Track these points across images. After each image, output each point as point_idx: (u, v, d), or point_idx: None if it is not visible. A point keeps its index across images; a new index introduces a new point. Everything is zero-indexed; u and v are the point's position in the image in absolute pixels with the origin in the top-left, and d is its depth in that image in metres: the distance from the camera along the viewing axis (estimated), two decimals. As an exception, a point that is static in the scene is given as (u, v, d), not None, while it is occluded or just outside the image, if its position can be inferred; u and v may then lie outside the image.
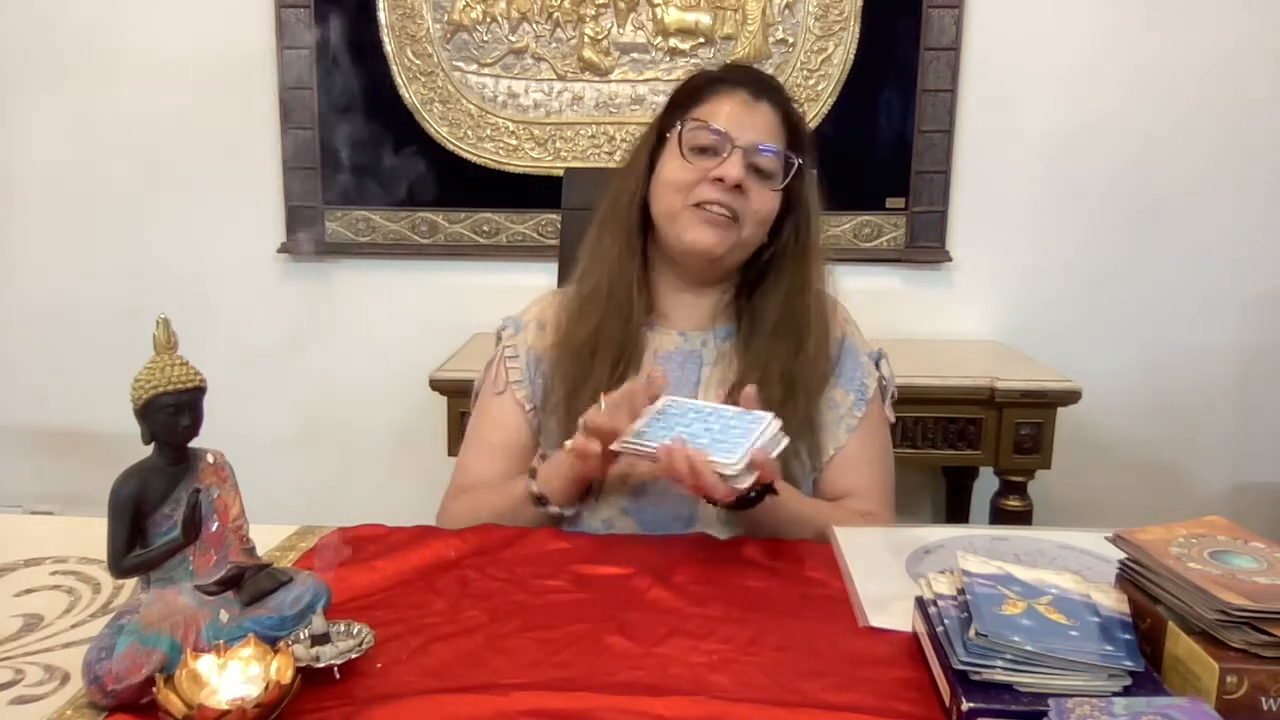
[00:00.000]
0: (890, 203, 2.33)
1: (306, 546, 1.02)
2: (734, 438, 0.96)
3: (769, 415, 0.99)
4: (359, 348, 2.46)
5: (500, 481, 1.19)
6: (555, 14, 2.30)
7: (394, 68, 2.34)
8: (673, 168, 1.18)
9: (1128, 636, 0.72)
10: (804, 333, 1.19)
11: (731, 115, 1.17)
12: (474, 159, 2.37)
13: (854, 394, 1.22)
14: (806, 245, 1.22)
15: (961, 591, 0.77)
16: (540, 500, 1.12)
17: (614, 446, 1.00)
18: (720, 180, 1.14)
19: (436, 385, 1.99)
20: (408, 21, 2.32)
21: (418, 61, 2.34)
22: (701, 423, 0.99)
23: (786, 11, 2.28)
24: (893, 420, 1.28)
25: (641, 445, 0.98)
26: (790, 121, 1.21)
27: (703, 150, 1.17)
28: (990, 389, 1.96)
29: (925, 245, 2.34)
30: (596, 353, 1.18)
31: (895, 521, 1.23)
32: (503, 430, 1.23)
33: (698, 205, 1.15)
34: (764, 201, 1.17)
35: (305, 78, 2.34)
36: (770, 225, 1.20)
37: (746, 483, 0.95)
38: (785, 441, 0.99)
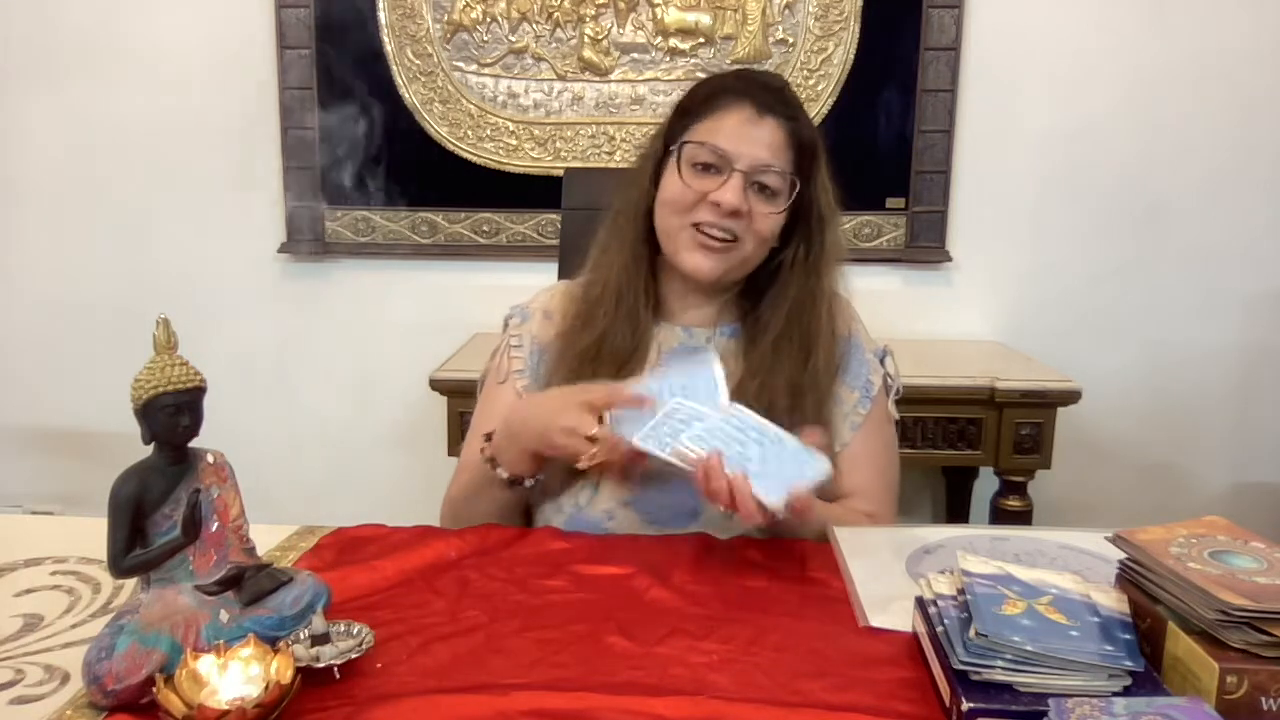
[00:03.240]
0: (890, 203, 2.33)
1: (306, 546, 1.02)
2: (785, 473, 0.95)
3: (827, 463, 0.97)
4: (359, 348, 2.46)
5: None
6: (555, 14, 2.30)
7: (394, 68, 2.34)
8: (672, 186, 1.15)
9: (1128, 636, 0.72)
10: (812, 343, 1.17)
11: (734, 132, 1.13)
12: (474, 159, 2.37)
13: (859, 391, 1.21)
14: (818, 258, 1.19)
15: (961, 591, 0.77)
16: (504, 472, 1.12)
17: (643, 447, 0.98)
18: (718, 204, 1.12)
19: (436, 385, 1.99)
20: (408, 21, 2.32)
21: (418, 61, 2.34)
22: (758, 445, 0.97)
23: (786, 11, 2.28)
24: (896, 418, 1.27)
25: (683, 451, 0.97)
26: (798, 138, 1.16)
27: (703, 168, 1.14)
28: (990, 389, 1.96)
29: (925, 245, 2.34)
30: (600, 358, 1.17)
31: (896, 521, 1.23)
32: (499, 420, 1.23)
33: (696, 227, 1.14)
34: (766, 222, 1.15)
35: (305, 78, 2.34)
36: (775, 240, 1.18)
37: (781, 513, 0.94)
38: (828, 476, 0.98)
